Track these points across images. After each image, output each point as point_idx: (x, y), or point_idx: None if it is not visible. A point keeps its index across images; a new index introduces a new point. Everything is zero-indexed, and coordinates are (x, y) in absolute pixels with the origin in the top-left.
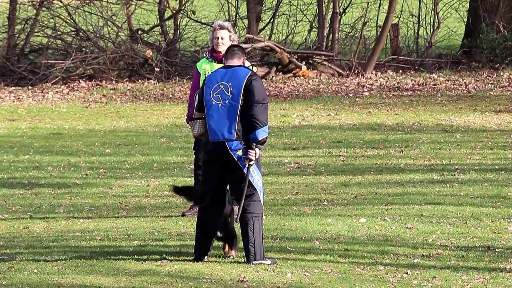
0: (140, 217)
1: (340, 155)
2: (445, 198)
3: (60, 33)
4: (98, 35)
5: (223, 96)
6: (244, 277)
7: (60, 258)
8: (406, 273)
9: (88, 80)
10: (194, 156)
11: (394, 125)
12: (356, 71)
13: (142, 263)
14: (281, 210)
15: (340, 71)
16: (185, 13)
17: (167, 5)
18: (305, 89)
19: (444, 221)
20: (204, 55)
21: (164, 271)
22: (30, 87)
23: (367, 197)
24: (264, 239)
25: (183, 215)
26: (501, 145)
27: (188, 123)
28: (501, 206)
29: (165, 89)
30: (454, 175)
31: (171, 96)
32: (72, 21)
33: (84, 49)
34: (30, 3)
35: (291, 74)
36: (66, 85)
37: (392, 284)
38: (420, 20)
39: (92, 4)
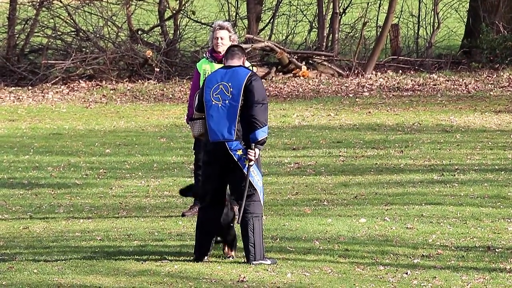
0: (140, 217)
1: (340, 155)
2: (445, 198)
3: (60, 33)
4: (98, 35)
5: (223, 96)
6: (244, 277)
7: (60, 258)
8: (406, 273)
9: (88, 80)
10: (194, 156)
11: (394, 125)
12: (356, 71)
13: (142, 263)
14: (281, 210)
15: (340, 71)
16: (185, 13)
17: (167, 5)
18: (305, 89)
19: (444, 221)
20: (204, 55)
21: (164, 271)
22: (30, 87)
23: (367, 197)
24: (264, 239)
25: (183, 215)
26: (501, 145)
27: (188, 123)
28: (501, 206)
29: (165, 89)
30: (454, 175)
31: (171, 96)
32: (72, 21)
33: (84, 49)
34: (30, 3)
35: (291, 74)
36: (66, 85)
37: (392, 284)
38: (420, 20)
39: (92, 4)
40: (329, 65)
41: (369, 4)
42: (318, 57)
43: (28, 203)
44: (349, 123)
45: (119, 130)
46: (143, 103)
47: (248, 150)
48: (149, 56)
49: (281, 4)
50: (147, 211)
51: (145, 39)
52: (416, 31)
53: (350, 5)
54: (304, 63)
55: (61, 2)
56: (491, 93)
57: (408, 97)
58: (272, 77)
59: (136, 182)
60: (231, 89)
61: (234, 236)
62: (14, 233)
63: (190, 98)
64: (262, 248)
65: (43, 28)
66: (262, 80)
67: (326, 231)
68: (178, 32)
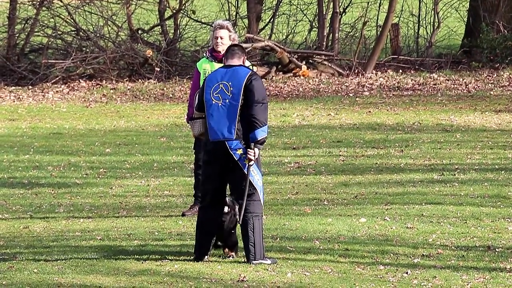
0: (140, 217)
1: (340, 155)
2: (445, 198)
3: (60, 32)
4: (98, 34)
5: (223, 96)
6: (244, 277)
7: (60, 258)
8: (406, 273)
9: (88, 80)
10: (194, 155)
11: (394, 124)
12: (356, 71)
13: (142, 263)
14: (281, 209)
15: (340, 70)
16: (185, 13)
17: (167, 5)
18: (305, 88)
19: (444, 221)
20: (204, 54)
21: (164, 271)
22: (30, 87)
23: (367, 197)
24: (264, 239)
25: (183, 215)
26: (501, 145)
27: (188, 123)
28: (501, 206)
29: (165, 88)
30: (454, 175)
31: (171, 95)
32: (72, 20)
33: (84, 48)
34: (30, 3)
35: (291, 74)
36: (66, 85)
37: (392, 284)
38: (420, 19)
39: (92, 4)
40: (329, 64)
41: (369, 3)
42: (318, 56)
43: (28, 203)
44: (349, 122)
45: (119, 129)
46: (143, 103)
47: (248, 149)
48: (149, 55)
49: (281, 4)
50: (147, 210)
51: (145, 39)
52: (416, 31)
53: (350, 4)
54: (304, 62)
55: (61, 1)
56: (491, 92)
57: (408, 97)
58: (272, 76)
59: (136, 182)
60: (231, 89)
61: (236, 242)
62: (14, 233)
63: (190, 97)
64: (262, 248)
65: (43, 28)
66: (262, 79)
67: (326, 231)
68: (178, 31)
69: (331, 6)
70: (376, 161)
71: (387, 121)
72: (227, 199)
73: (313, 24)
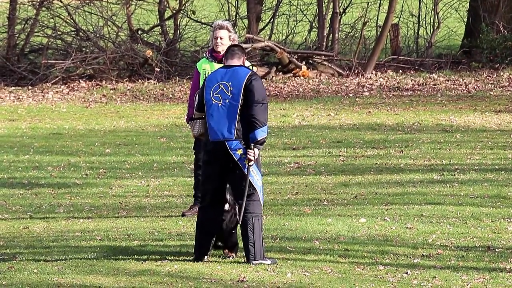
0: (140, 217)
1: (340, 155)
2: (445, 198)
3: (60, 33)
4: (98, 35)
5: (223, 96)
6: (244, 277)
7: (60, 258)
8: (406, 273)
9: (88, 80)
10: (194, 156)
11: (394, 125)
12: (356, 71)
13: (142, 263)
14: (281, 210)
15: (340, 71)
16: (185, 13)
17: (167, 5)
18: (305, 89)
19: (444, 221)
20: (204, 55)
21: (164, 271)
22: (30, 87)
23: (367, 197)
24: (264, 239)
25: (183, 215)
26: (501, 145)
27: (188, 123)
28: (501, 206)
29: (165, 89)
30: (454, 175)
31: (171, 96)
32: (72, 21)
33: (84, 49)
34: (30, 3)
35: (291, 74)
36: (66, 85)
37: (392, 284)
38: (420, 20)
39: (92, 4)
40: (329, 65)
41: (369, 4)
42: (318, 57)
43: (28, 203)
44: (349, 123)
45: (119, 130)
46: (143, 103)
47: (248, 150)
48: (149, 56)
49: (281, 4)
50: (147, 211)
51: (145, 39)
52: (416, 31)
53: (350, 5)
54: (304, 63)
55: (61, 1)
56: (491, 93)
57: (408, 97)
58: (272, 76)
59: (136, 182)
60: (231, 89)
61: (236, 242)
62: (14, 233)
63: (190, 98)
64: (262, 248)
65: (43, 28)
66: (262, 80)
67: (326, 231)
68: (178, 32)
69: (331, 6)
70: (376, 161)
71: (387, 121)
72: (227, 196)
73: (313, 24)
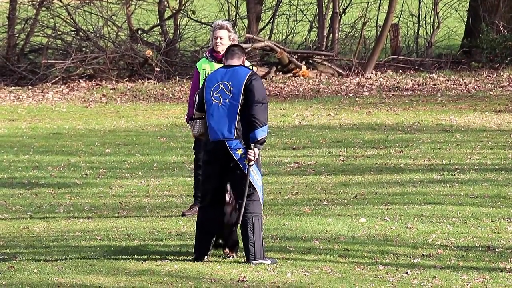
0: (140, 217)
1: (340, 155)
2: (445, 198)
3: (60, 33)
4: (98, 35)
5: (223, 96)
6: (244, 277)
7: (60, 258)
8: (406, 273)
9: (88, 80)
10: (194, 156)
11: (394, 125)
12: (356, 71)
13: (142, 263)
14: (281, 210)
15: (340, 71)
16: (185, 13)
17: (167, 5)
18: (305, 89)
19: (444, 221)
20: (204, 54)
21: (164, 271)
22: (30, 87)
23: (367, 197)
24: (264, 239)
25: (183, 215)
26: (501, 145)
27: (188, 123)
28: (501, 206)
29: (165, 89)
30: (454, 175)
31: (171, 96)
32: (72, 21)
33: (84, 49)
34: (30, 3)
35: (291, 74)
36: (66, 85)
37: (392, 284)
38: (420, 20)
39: (92, 4)
40: (329, 64)
41: (369, 3)
42: (318, 56)
43: (28, 203)
44: (349, 122)
45: (119, 129)
46: (143, 103)
47: (248, 150)
48: (149, 55)
49: (281, 4)
50: (147, 210)
51: (145, 39)
52: (416, 31)
53: (350, 4)
54: (304, 62)
55: (61, 1)
56: (491, 92)
57: (408, 97)
58: (272, 76)
59: (136, 182)
60: (232, 88)
61: (236, 241)
62: (14, 233)
63: (190, 97)
64: (262, 248)
65: (43, 28)
66: (262, 79)
67: (326, 231)
68: (178, 31)
69: (331, 6)
70: (376, 161)
71: (387, 121)
72: (227, 186)
73: (313, 24)
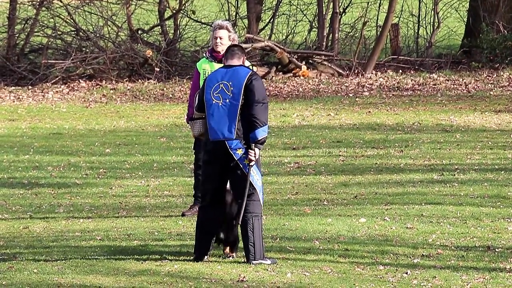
0: (140, 217)
1: (340, 155)
2: (445, 198)
3: (60, 33)
4: (98, 35)
5: (224, 95)
6: (244, 277)
7: (60, 258)
8: (406, 273)
9: (88, 80)
10: (194, 156)
11: (394, 125)
12: (356, 71)
13: (142, 263)
14: (281, 210)
15: (340, 71)
16: (185, 13)
17: (167, 5)
18: (305, 89)
19: (444, 221)
20: (204, 54)
21: (164, 271)
22: (30, 87)
23: (367, 197)
24: (264, 239)
25: (183, 215)
26: (501, 145)
27: (188, 123)
28: (501, 206)
29: (165, 89)
30: (454, 175)
31: (171, 96)
32: (72, 21)
33: (84, 49)
34: (30, 3)
35: (291, 74)
36: (66, 85)
37: (392, 284)
38: (420, 20)
39: (92, 4)
40: (329, 64)
41: (369, 3)
42: (318, 56)
43: (28, 203)
44: (349, 122)
45: (119, 129)
46: (143, 103)
47: (249, 150)
48: (149, 55)
49: (281, 4)
50: (147, 210)
51: (145, 39)
52: (416, 31)
53: (350, 4)
54: (304, 62)
55: (61, 1)
56: (491, 92)
57: (408, 97)
58: (272, 76)
59: (136, 182)
60: (232, 88)
61: (236, 237)
62: (14, 233)
63: (190, 97)
64: (262, 248)
65: (43, 28)
66: (262, 79)
67: (326, 231)
68: (178, 31)
69: (331, 6)
70: (376, 161)
71: (387, 121)
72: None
73: (313, 24)
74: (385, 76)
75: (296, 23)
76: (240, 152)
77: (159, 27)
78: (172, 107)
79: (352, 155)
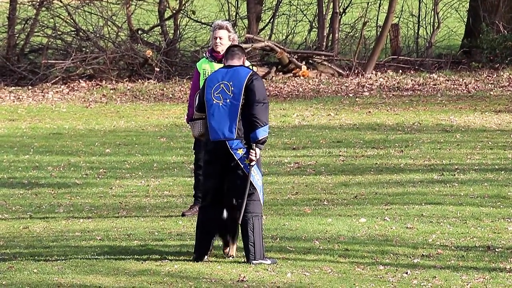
0: (140, 217)
1: (340, 155)
2: (445, 198)
3: (60, 33)
4: (98, 35)
5: (224, 95)
6: (244, 277)
7: (60, 258)
8: (406, 273)
9: (88, 80)
10: (194, 156)
11: (394, 125)
12: (356, 71)
13: (142, 263)
14: (281, 210)
15: (340, 71)
16: (185, 13)
17: (167, 5)
18: (305, 89)
19: (444, 221)
20: (204, 54)
21: (164, 271)
22: (30, 87)
23: (367, 197)
24: (264, 239)
25: (183, 215)
26: (501, 145)
27: (188, 123)
28: (501, 206)
29: (165, 89)
30: (454, 175)
31: (171, 96)
32: (72, 21)
33: (84, 49)
34: (30, 3)
35: (291, 74)
36: (66, 85)
37: (392, 284)
38: (420, 20)
39: (92, 4)
40: (329, 65)
41: (369, 4)
42: (318, 57)
43: (28, 203)
44: (349, 123)
45: (119, 129)
46: (143, 103)
47: (249, 150)
48: (149, 55)
49: (281, 4)
50: (147, 210)
51: (145, 39)
52: (416, 31)
53: (350, 5)
54: (304, 63)
55: (61, 1)
56: (491, 93)
57: (408, 97)
58: (272, 76)
59: (136, 182)
60: (232, 88)
61: (236, 231)
62: (14, 233)
63: (190, 98)
64: (262, 248)
65: (43, 28)
66: (262, 79)
67: (326, 231)
68: (178, 32)
69: (331, 6)
70: (376, 161)
71: (387, 121)
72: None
73: (313, 24)
74: (385, 76)
75: (296, 23)
76: (240, 152)
77: (159, 27)
78: (172, 107)
79: (352, 155)
